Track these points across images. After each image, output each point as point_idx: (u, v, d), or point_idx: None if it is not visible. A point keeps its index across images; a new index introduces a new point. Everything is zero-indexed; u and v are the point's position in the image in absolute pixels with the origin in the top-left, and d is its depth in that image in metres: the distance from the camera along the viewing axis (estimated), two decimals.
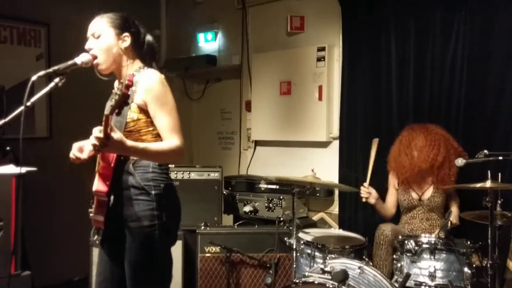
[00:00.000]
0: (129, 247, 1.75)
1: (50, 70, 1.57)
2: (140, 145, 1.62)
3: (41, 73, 1.54)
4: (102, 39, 1.77)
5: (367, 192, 2.82)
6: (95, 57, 1.74)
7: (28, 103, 1.50)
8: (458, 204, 2.77)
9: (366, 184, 2.82)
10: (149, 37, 1.90)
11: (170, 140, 1.69)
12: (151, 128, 1.75)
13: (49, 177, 3.13)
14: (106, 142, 1.44)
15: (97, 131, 1.44)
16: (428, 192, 2.75)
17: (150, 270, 1.75)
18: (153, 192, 1.73)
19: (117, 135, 1.48)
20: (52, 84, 1.58)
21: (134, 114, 1.72)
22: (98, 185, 1.72)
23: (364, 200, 2.84)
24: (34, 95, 1.56)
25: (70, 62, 1.63)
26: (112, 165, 1.71)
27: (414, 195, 2.77)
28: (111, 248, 1.84)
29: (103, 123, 1.41)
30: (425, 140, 2.71)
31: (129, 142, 1.55)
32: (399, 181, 2.84)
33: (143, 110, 1.72)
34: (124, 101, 1.40)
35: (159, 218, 1.73)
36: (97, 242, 2.17)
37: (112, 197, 1.73)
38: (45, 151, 3.42)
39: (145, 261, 1.74)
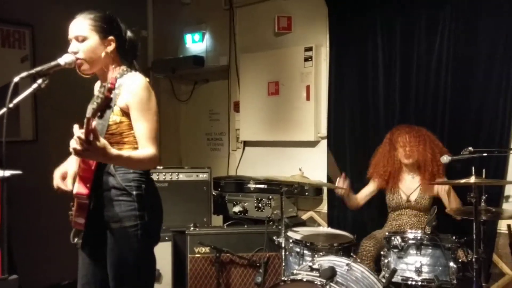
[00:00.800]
0: (111, 248, 1.74)
1: (33, 71, 1.55)
2: (124, 154, 1.62)
3: (23, 74, 1.52)
4: (87, 44, 1.73)
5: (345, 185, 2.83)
6: (79, 61, 1.72)
7: (11, 105, 1.48)
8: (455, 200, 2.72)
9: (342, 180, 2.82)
10: (129, 34, 1.87)
11: (147, 148, 1.69)
12: (133, 131, 1.74)
13: (35, 180, 3.09)
14: (87, 147, 1.42)
15: (79, 132, 1.42)
16: (415, 194, 2.78)
17: (133, 270, 1.74)
18: (134, 192, 1.73)
19: (100, 143, 1.47)
20: (35, 85, 1.56)
21: (116, 117, 1.71)
22: (79, 187, 1.71)
23: (340, 193, 2.86)
24: (13, 97, 1.54)
25: (53, 63, 1.62)
26: (93, 167, 1.70)
27: (403, 195, 2.80)
28: (93, 250, 1.83)
29: (84, 126, 1.40)
30: (408, 138, 2.74)
31: (114, 151, 1.54)
32: (387, 185, 2.86)
33: (126, 113, 1.72)
34: (106, 104, 1.39)
35: (141, 218, 1.73)
36: (77, 245, 2.14)
37: (93, 199, 1.73)
38: (31, 154, 3.39)
39: (128, 261, 1.74)
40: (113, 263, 1.75)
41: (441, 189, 2.69)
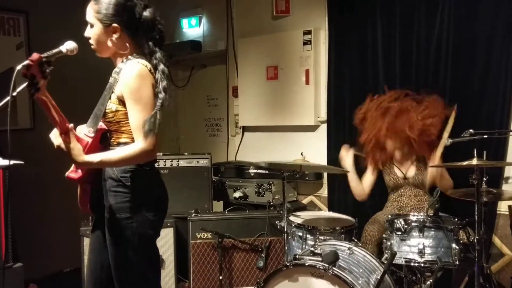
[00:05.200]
0: (109, 239, 1.71)
1: None
2: (95, 160, 1.59)
3: (26, 62, 1.49)
4: (93, 31, 1.74)
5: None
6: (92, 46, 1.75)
7: (14, 93, 1.46)
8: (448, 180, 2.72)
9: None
10: (146, 13, 1.75)
11: (137, 141, 1.62)
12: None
13: (34, 168, 3.08)
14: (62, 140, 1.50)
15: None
16: (412, 170, 2.79)
17: (131, 263, 1.70)
18: (129, 184, 1.68)
19: (73, 143, 1.55)
20: None
21: (113, 105, 1.69)
22: (72, 172, 1.70)
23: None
24: (16, 85, 1.50)
25: (55, 50, 1.58)
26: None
27: (399, 173, 2.81)
28: (101, 234, 1.80)
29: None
30: (433, 108, 2.67)
31: (86, 157, 1.58)
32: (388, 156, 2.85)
33: (122, 102, 1.68)
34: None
35: (136, 210, 1.69)
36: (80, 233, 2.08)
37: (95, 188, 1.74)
38: (29, 142, 3.36)
39: (125, 254, 1.69)
40: (112, 254, 1.72)
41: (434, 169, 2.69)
